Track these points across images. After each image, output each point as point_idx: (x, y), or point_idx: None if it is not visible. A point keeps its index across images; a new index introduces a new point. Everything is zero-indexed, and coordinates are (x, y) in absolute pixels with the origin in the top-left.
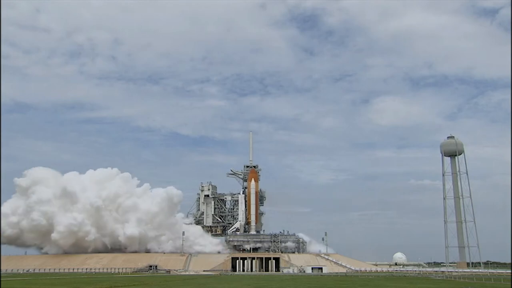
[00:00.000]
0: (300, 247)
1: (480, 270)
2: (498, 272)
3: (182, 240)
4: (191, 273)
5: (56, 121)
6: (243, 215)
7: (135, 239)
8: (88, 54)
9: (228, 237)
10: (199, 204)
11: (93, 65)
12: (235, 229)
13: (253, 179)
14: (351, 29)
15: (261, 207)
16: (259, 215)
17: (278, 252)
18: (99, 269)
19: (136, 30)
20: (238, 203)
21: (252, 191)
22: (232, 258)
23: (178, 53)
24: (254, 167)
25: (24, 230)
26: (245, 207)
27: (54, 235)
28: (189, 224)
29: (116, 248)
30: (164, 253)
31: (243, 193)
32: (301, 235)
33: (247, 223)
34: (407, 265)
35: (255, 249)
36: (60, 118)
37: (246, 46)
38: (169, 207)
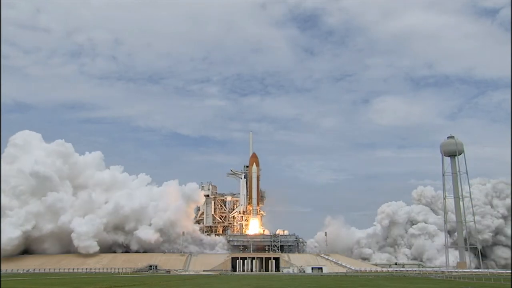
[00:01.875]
0: (300, 247)
1: (480, 270)
2: (498, 272)
3: (182, 240)
4: (191, 273)
5: (56, 121)
6: (245, 199)
7: (151, 243)
8: (88, 54)
9: (228, 237)
10: None
11: (93, 65)
12: (237, 212)
13: (254, 163)
14: (352, 29)
15: (261, 207)
16: (260, 198)
17: (278, 252)
18: (99, 269)
19: (136, 30)
20: (238, 203)
21: (254, 175)
22: (232, 258)
23: (178, 53)
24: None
25: (47, 235)
26: (247, 191)
27: (75, 238)
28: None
29: (134, 250)
30: (164, 252)
31: (244, 178)
32: None
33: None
34: (407, 265)
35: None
36: (60, 118)
37: (247, 46)
38: (187, 213)
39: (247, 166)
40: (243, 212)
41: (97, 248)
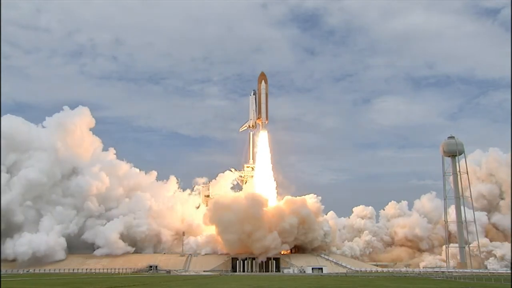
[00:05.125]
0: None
1: (481, 270)
2: (499, 273)
3: (182, 240)
4: (191, 273)
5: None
6: (254, 114)
7: (172, 244)
8: (89, 54)
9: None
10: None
11: (94, 65)
12: (246, 127)
13: (263, 80)
14: (352, 29)
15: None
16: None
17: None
18: (99, 269)
19: (137, 30)
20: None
21: (263, 91)
22: (232, 259)
23: (179, 53)
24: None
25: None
26: (256, 106)
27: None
28: None
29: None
30: (164, 253)
31: (253, 94)
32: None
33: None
34: (407, 265)
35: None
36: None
37: (247, 46)
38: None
39: (248, 166)
40: (252, 126)
41: (131, 250)
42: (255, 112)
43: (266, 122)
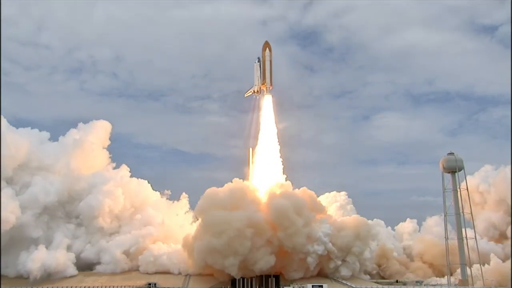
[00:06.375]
0: None
1: (482, 287)
2: None
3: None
4: None
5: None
6: (258, 80)
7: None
8: (89, 71)
9: None
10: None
11: (94, 81)
12: (251, 93)
13: (267, 48)
14: (352, 46)
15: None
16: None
17: None
18: (97, 287)
19: (137, 47)
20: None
21: (267, 58)
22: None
23: (179, 70)
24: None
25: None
26: (260, 73)
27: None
28: None
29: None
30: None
31: (258, 62)
32: None
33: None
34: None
35: None
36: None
37: (247, 63)
38: None
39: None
40: (257, 92)
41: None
42: (259, 78)
43: (271, 88)
